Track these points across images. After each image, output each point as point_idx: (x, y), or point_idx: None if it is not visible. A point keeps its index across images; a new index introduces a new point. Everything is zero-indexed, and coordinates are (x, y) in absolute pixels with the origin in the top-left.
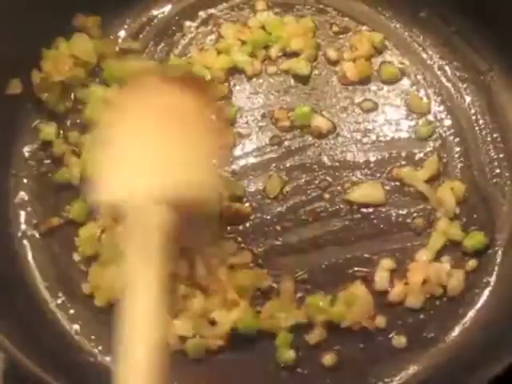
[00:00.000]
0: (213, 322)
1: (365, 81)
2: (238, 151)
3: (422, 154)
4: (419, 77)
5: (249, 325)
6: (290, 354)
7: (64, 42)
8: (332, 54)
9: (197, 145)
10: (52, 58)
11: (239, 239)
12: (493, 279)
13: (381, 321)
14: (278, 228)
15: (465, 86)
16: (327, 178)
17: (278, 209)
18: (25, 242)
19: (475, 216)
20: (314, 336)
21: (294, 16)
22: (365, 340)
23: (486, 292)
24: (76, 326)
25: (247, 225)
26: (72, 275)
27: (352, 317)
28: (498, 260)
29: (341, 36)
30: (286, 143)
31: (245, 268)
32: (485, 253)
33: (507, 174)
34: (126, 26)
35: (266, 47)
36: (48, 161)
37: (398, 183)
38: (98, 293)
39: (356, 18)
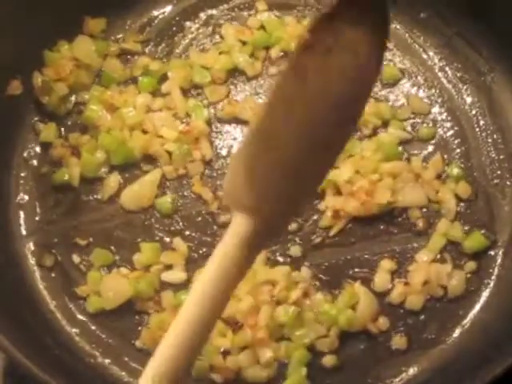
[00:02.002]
0: (224, 353)
1: None
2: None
3: (422, 155)
4: (420, 78)
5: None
6: None
7: (66, 44)
8: None
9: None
10: (54, 61)
11: None
12: (493, 280)
13: (383, 322)
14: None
15: (465, 87)
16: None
17: None
18: (25, 242)
19: (476, 217)
20: (327, 344)
21: (294, 17)
22: (365, 341)
23: (487, 293)
24: (76, 327)
25: None
26: (72, 276)
27: (359, 322)
28: (499, 261)
29: None
30: None
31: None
32: (485, 254)
33: (508, 175)
34: (126, 27)
35: (267, 48)
36: (48, 161)
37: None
38: (92, 298)
39: None
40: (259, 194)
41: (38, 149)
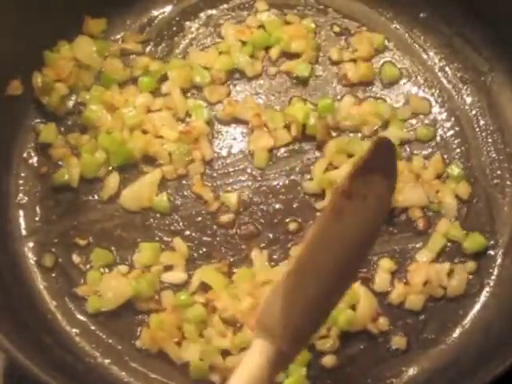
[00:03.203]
0: (224, 353)
1: (365, 82)
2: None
3: (422, 155)
4: (420, 78)
5: None
6: None
7: (66, 44)
8: (333, 54)
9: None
10: (54, 61)
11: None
12: (493, 280)
13: (383, 323)
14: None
15: (465, 87)
16: None
17: (277, 206)
18: (25, 242)
19: (476, 217)
20: (327, 344)
21: (294, 17)
22: (365, 341)
23: (486, 293)
24: (76, 327)
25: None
26: (72, 276)
27: (359, 322)
28: (499, 261)
29: (341, 37)
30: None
31: None
32: (485, 254)
33: (508, 175)
34: (126, 27)
35: (267, 48)
36: (48, 162)
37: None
38: (92, 299)
39: (357, 19)
40: (291, 325)
41: (37, 149)
